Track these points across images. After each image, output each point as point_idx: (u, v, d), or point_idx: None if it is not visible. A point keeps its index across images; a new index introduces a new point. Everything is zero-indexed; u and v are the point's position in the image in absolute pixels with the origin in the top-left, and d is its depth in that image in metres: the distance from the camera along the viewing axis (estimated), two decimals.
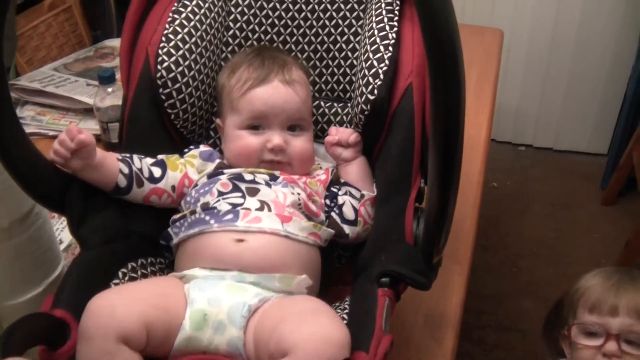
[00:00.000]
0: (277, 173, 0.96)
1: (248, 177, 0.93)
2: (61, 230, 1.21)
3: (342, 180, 0.97)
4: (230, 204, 0.89)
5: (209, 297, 0.80)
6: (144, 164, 0.93)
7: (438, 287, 1.10)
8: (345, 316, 0.81)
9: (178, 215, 0.93)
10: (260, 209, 0.88)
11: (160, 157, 0.96)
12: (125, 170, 0.90)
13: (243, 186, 0.91)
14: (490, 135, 1.57)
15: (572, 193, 2.69)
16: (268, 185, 0.93)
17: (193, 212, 0.90)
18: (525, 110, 2.83)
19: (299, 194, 0.94)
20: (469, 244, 1.24)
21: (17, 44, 1.62)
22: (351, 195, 0.96)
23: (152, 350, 0.76)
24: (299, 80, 0.99)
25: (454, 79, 0.61)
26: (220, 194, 0.91)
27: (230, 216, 0.87)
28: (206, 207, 0.90)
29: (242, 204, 0.89)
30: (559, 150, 2.91)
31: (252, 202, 0.89)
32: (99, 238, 0.85)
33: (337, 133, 0.98)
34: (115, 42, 1.82)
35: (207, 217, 0.88)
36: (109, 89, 1.36)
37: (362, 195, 0.95)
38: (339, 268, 1.02)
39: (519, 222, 2.54)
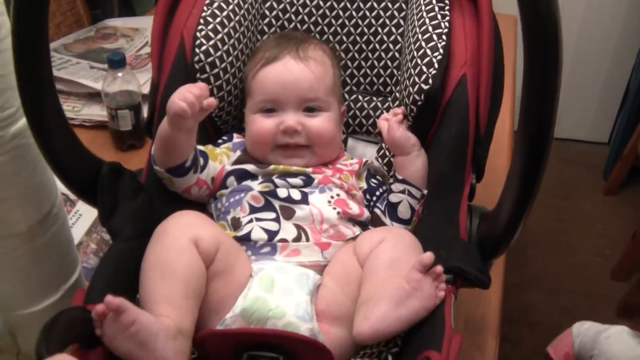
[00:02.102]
0: (309, 171, 0.90)
1: (282, 193, 0.86)
2: (71, 227, 1.12)
3: (400, 177, 0.90)
4: (265, 230, 0.83)
5: (276, 266, 0.79)
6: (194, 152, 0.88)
7: (475, 290, 1.06)
8: None
9: None
10: (297, 238, 0.83)
11: (199, 147, 0.90)
12: (194, 150, 0.86)
13: (277, 204, 0.85)
14: (513, 130, 1.51)
15: (574, 183, 2.67)
16: (304, 197, 0.86)
17: None
18: None
19: (338, 195, 0.88)
20: None
21: None
22: (410, 194, 0.90)
23: (213, 278, 0.75)
24: (316, 57, 0.92)
25: (552, 67, 0.57)
26: (253, 209, 0.85)
27: (267, 249, 0.82)
28: (237, 226, 0.84)
29: (277, 232, 0.83)
30: (560, 138, 2.89)
31: (288, 229, 0.83)
32: (132, 229, 0.80)
33: (394, 114, 0.91)
34: (117, 22, 1.72)
35: (244, 248, 0.82)
36: (119, 74, 1.27)
37: (423, 195, 0.89)
38: None
39: None
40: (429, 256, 0.71)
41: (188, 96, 0.77)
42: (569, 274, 2.26)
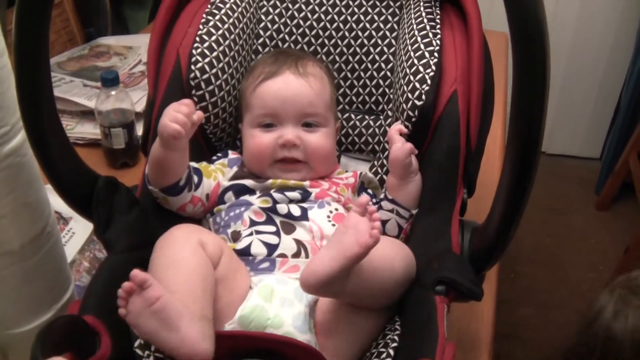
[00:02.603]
0: (306, 185, 0.90)
1: (282, 209, 0.87)
2: (64, 245, 1.12)
3: (390, 197, 0.91)
4: (265, 243, 0.83)
5: (276, 278, 0.80)
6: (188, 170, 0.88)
7: (468, 306, 1.06)
8: (397, 327, 0.77)
9: None
10: (297, 254, 0.83)
11: (192, 164, 0.90)
12: (187, 168, 0.86)
13: (278, 220, 0.86)
14: (504, 145, 1.52)
15: (566, 198, 2.68)
16: (304, 213, 0.87)
17: None
18: None
19: (336, 209, 0.89)
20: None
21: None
22: (398, 214, 0.91)
23: (217, 284, 0.75)
24: (315, 74, 0.93)
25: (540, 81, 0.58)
26: (253, 223, 0.86)
27: (266, 264, 0.82)
28: (237, 238, 0.85)
29: (277, 245, 0.83)
30: (552, 154, 2.90)
31: (287, 244, 0.84)
32: (126, 242, 0.80)
33: (396, 132, 0.90)
34: (110, 40, 1.73)
35: (243, 263, 0.83)
36: (112, 92, 1.28)
37: (411, 215, 0.90)
38: None
39: None
40: (365, 197, 0.72)
41: (179, 117, 0.77)
42: (561, 289, 2.26)
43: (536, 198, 3.00)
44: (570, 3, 2.58)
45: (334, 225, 0.87)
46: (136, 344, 0.71)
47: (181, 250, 0.74)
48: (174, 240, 0.76)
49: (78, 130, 1.40)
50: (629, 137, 2.42)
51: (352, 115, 1.04)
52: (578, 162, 2.88)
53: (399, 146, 0.87)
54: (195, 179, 0.88)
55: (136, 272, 0.65)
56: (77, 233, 1.15)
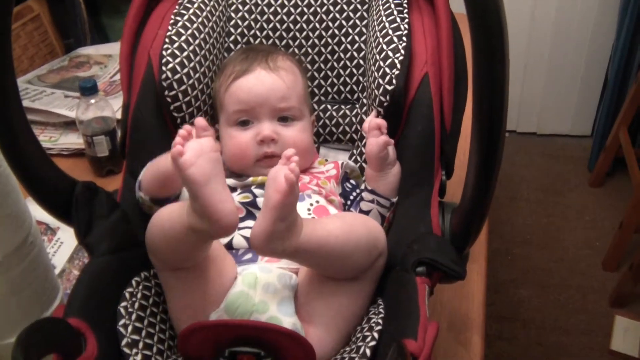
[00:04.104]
0: None
1: (261, 202, 0.87)
2: (53, 255, 1.13)
3: (370, 188, 0.91)
4: (245, 238, 0.84)
5: (260, 266, 0.79)
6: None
7: (459, 287, 1.06)
8: (381, 310, 0.77)
9: None
10: None
11: None
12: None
13: (257, 213, 0.86)
14: None
15: (559, 177, 2.68)
16: None
17: None
18: None
19: (317, 202, 0.89)
20: (482, 240, 1.19)
21: None
22: (379, 204, 0.91)
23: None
24: (286, 67, 0.93)
25: (499, 63, 0.58)
26: None
27: (249, 256, 0.83)
28: None
29: None
30: (543, 134, 2.90)
31: None
32: (108, 245, 0.80)
33: (379, 125, 0.88)
34: (90, 50, 1.73)
35: None
36: (92, 100, 1.28)
37: (392, 204, 0.90)
38: None
39: (510, 209, 2.52)
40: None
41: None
42: (560, 268, 2.27)
43: (530, 179, 3.03)
44: None
45: (316, 203, 0.87)
46: (123, 342, 0.72)
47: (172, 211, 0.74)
48: (163, 221, 0.75)
49: (62, 141, 1.41)
50: (618, 112, 2.42)
51: (329, 106, 1.04)
52: (570, 141, 2.89)
53: (374, 140, 0.87)
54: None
55: (200, 120, 0.69)
56: (65, 242, 1.16)
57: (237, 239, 0.84)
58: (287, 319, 0.75)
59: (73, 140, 1.40)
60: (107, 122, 1.30)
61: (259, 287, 0.77)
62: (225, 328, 0.72)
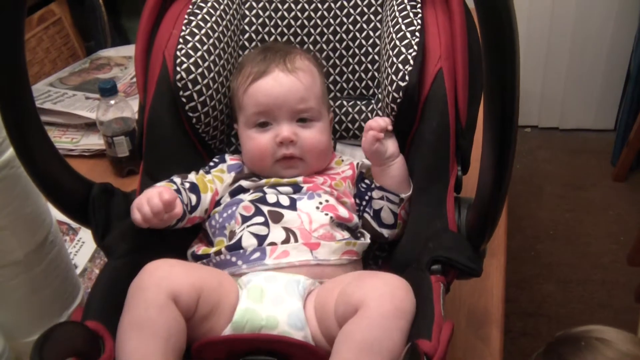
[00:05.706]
0: (299, 180, 0.91)
1: (271, 198, 0.88)
2: (75, 255, 1.15)
3: (377, 185, 0.92)
4: (254, 234, 0.84)
5: (265, 276, 0.80)
6: (184, 193, 0.88)
7: (478, 282, 1.06)
8: None
9: (200, 252, 0.87)
10: (286, 240, 0.84)
11: (190, 178, 0.91)
12: (183, 207, 0.86)
13: (265, 209, 0.87)
14: None
15: (582, 171, 2.65)
16: (293, 203, 0.88)
17: (218, 253, 0.85)
18: (528, 91, 2.77)
19: (327, 201, 0.89)
20: (501, 235, 1.19)
21: None
22: (389, 200, 0.91)
23: (201, 322, 0.75)
24: (303, 68, 0.93)
25: (510, 57, 0.57)
26: (244, 219, 0.86)
27: (257, 255, 0.83)
28: (231, 237, 0.86)
29: (266, 236, 0.84)
30: (565, 129, 2.87)
31: (277, 232, 0.84)
32: (126, 246, 0.82)
33: (371, 127, 0.89)
34: (110, 52, 1.75)
35: (234, 259, 0.83)
36: (111, 101, 1.30)
37: (402, 199, 0.90)
38: (377, 270, 0.96)
39: (533, 204, 2.49)
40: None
41: (145, 210, 0.80)
42: (584, 263, 2.24)
43: (553, 174, 3.00)
44: None
45: (323, 212, 0.87)
46: None
47: (150, 307, 0.71)
48: (144, 290, 0.72)
49: (83, 142, 1.43)
50: None
51: (344, 102, 1.04)
52: (593, 135, 2.85)
53: (364, 137, 0.88)
54: (193, 199, 0.89)
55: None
56: (86, 242, 1.18)
57: (246, 237, 0.84)
58: (297, 333, 0.75)
59: (94, 142, 1.42)
60: (127, 122, 1.31)
61: (265, 301, 0.76)
62: (238, 342, 0.73)
